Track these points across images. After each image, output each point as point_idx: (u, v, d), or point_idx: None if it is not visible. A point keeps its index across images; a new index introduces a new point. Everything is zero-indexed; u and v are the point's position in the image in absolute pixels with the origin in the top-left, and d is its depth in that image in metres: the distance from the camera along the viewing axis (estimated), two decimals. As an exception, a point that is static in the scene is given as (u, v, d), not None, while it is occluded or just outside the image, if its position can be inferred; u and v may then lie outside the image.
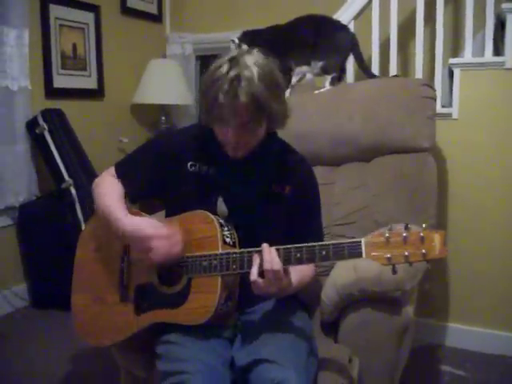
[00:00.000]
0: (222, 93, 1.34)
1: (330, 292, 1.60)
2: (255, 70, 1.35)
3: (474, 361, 2.46)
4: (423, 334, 2.54)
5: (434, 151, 2.37)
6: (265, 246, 1.34)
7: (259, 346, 1.39)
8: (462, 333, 2.60)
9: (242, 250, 1.41)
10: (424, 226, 1.21)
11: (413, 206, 2.05)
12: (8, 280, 3.05)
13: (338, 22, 2.57)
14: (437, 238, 1.19)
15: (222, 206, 1.52)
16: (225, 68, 1.36)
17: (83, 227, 2.90)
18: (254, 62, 1.37)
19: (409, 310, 1.63)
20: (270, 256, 1.32)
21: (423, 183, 2.11)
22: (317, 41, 2.47)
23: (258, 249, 1.35)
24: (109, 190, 1.58)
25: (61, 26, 3.25)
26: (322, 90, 2.45)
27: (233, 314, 1.50)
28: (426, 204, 2.08)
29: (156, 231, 1.43)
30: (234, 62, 1.37)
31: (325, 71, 2.49)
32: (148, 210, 1.71)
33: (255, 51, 1.43)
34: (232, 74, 1.34)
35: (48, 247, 3.00)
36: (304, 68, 2.53)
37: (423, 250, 1.19)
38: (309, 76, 2.58)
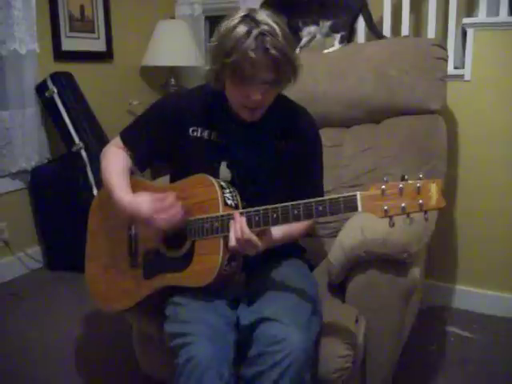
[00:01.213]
0: (252, 49, 1.32)
1: (337, 253, 1.62)
2: (275, 26, 1.35)
3: (481, 322, 2.49)
4: (431, 295, 2.57)
5: (446, 113, 2.35)
6: (236, 215, 1.37)
7: (263, 306, 1.42)
8: (469, 295, 2.62)
9: (242, 210, 1.42)
10: (421, 175, 1.19)
11: (423, 168, 2.04)
12: (22, 242, 3.10)
13: None
14: (433, 187, 1.17)
15: (224, 170, 1.53)
16: (242, 27, 1.34)
17: (94, 190, 2.94)
18: (269, 18, 1.36)
19: (415, 272, 1.64)
20: (239, 226, 1.35)
21: (433, 145, 2.09)
22: (325, 0, 2.43)
23: (257, 208, 1.36)
24: (112, 165, 1.60)
25: (68, -13, 3.21)
26: (331, 49, 2.42)
27: (238, 275, 1.52)
28: (436, 165, 2.06)
29: (153, 211, 1.45)
30: (248, 19, 1.35)
31: (334, 30, 2.45)
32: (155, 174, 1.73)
33: (261, 9, 1.42)
34: (255, 31, 1.33)
35: (60, 210, 3.04)
36: (312, 28, 2.49)
37: (420, 201, 1.17)
38: (318, 37, 2.53)
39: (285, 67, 1.38)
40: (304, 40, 2.53)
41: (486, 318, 2.53)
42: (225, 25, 1.39)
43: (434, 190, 1.17)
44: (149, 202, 1.46)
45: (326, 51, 2.40)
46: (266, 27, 1.34)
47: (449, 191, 2.52)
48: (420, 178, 1.19)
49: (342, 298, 1.68)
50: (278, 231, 1.47)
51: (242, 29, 1.34)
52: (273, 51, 1.33)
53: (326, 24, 2.45)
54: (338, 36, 2.43)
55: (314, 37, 2.54)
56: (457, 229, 2.62)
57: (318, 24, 2.47)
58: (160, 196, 1.46)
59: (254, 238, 1.35)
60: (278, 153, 1.56)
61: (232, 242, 1.37)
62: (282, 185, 1.55)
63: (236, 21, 1.36)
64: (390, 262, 1.56)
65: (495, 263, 2.56)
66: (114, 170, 1.58)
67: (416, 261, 1.65)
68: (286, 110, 1.61)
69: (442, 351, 2.28)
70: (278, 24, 1.36)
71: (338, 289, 1.70)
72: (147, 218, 1.46)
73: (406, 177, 1.20)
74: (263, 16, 1.36)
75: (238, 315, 1.47)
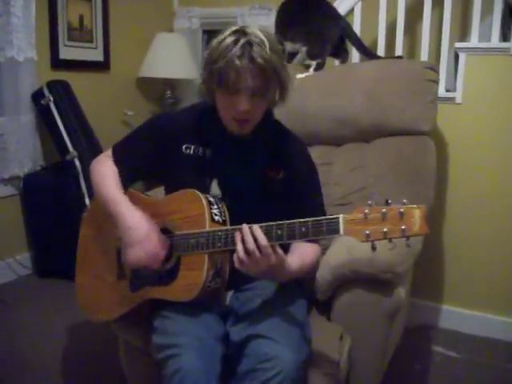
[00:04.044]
0: (237, 57, 1.34)
1: (323, 271, 1.63)
2: (264, 38, 1.37)
3: (466, 343, 2.51)
4: (417, 314, 2.59)
5: (436, 135, 2.38)
6: (244, 226, 1.33)
7: (254, 322, 1.42)
8: (455, 315, 2.64)
9: (228, 227, 1.42)
10: (405, 200, 1.19)
11: (411, 188, 2.06)
12: (12, 249, 3.10)
13: (330, 6, 2.52)
14: (417, 213, 1.16)
15: (215, 188, 1.54)
16: (232, 37, 1.37)
17: (86, 198, 2.94)
18: (259, 31, 1.39)
19: (401, 292, 1.66)
20: (250, 237, 1.31)
21: (422, 166, 2.11)
22: (303, 25, 2.45)
23: (241, 226, 1.35)
24: (106, 175, 1.59)
25: (68, -4, 3.24)
26: (303, 74, 2.42)
27: (223, 291, 1.53)
28: (425, 186, 2.08)
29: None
30: (238, 32, 1.39)
31: (310, 56, 2.46)
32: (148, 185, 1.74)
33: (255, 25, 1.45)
34: (242, 40, 1.35)
35: (51, 217, 3.04)
36: (295, 46, 2.50)
37: (402, 226, 1.16)
38: (300, 56, 2.55)
39: (271, 76, 1.39)
40: (298, 57, 2.55)
41: (471, 338, 2.55)
42: (217, 38, 1.42)
43: (417, 215, 1.17)
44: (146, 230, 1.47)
45: (298, 76, 2.38)
46: (253, 37, 1.37)
47: (437, 212, 2.55)
48: (404, 203, 1.18)
49: (328, 316, 1.69)
50: (295, 258, 1.44)
51: (230, 39, 1.37)
52: (258, 59, 1.35)
53: (303, 49, 2.47)
54: (314, 63, 2.44)
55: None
56: (443, 249, 2.65)
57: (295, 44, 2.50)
58: (153, 234, 1.47)
59: (269, 249, 1.31)
60: (268, 180, 1.56)
61: (240, 253, 1.32)
62: (271, 207, 1.52)
63: (227, 33, 1.40)
64: (375, 281, 1.57)
65: (481, 284, 2.58)
66: (111, 183, 1.58)
67: (401, 281, 1.67)
68: (278, 137, 1.61)
69: (426, 370, 2.30)
70: (266, 37, 1.39)
71: (324, 306, 1.71)
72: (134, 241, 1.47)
73: (389, 201, 1.20)
74: (253, 29, 1.40)
75: (227, 330, 1.48)
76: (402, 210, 1.17)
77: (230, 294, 1.58)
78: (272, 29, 3.58)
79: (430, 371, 2.30)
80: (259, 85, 1.39)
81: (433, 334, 2.60)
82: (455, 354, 2.41)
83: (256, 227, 1.33)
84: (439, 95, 2.29)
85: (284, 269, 1.39)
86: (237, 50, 1.35)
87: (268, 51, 1.36)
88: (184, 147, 1.58)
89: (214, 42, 1.42)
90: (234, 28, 1.42)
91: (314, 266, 1.61)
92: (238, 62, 1.34)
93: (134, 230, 1.47)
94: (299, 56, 2.54)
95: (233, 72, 1.36)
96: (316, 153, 2.18)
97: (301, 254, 1.50)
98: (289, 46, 2.49)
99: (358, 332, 1.63)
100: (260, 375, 1.31)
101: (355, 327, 1.63)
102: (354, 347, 1.62)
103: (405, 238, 1.19)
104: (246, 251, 1.32)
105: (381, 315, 1.62)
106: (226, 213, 1.49)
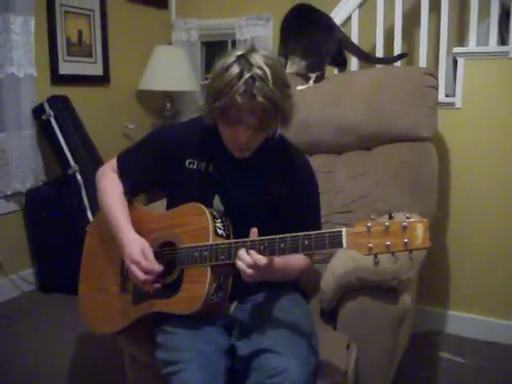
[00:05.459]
0: (239, 94, 1.33)
1: (328, 280, 1.63)
2: (267, 71, 1.35)
3: (473, 348, 2.49)
4: (423, 320, 2.58)
5: (437, 140, 2.38)
6: (241, 253, 1.35)
7: (261, 336, 1.42)
8: (462, 320, 2.63)
9: (231, 240, 1.42)
10: (408, 215, 1.19)
11: (413, 194, 2.07)
12: (15, 264, 3.09)
13: (326, 18, 2.53)
14: (419, 227, 1.17)
15: (217, 203, 1.55)
16: (235, 68, 1.35)
17: (89, 213, 2.94)
18: (264, 61, 1.36)
19: (406, 299, 1.65)
20: (251, 260, 1.34)
21: (424, 172, 2.12)
22: (300, 38, 2.46)
23: (245, 239, 1.37)
24: (110, 191, 1.62)
25: (66, 12, 3.25)
26: (304, 86, 2.43)
27: (226, 304, 1.52)
28: (427, 192, 2.09)
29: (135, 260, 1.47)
30: (242, 60, 1.36)
31: (308, 70, 2.47)
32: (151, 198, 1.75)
33: (261, 50, 1.42)
34: (246, 74, 1.33)
35: (54, 232, 3.04)
36: (295, 60, 2.52)
37: (405, 240, 1.16)
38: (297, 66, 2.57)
39: (271, 113, 1.38)
40: (295, 67, 2.56)
41: (478, 344, 2.53)
42: (221, 63, 1.39)
43: (420, 229, 1.17)
44: (139, 249, 1.49)
45: (299, 88, 2.40)
46: (257, 71, 1.34)
47: (440, 217, 2.54)
48: (407, 217, 1.19)
49: (334, 325, 1.68)
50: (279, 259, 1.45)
51: (234, 69, 1.35)
52: (259, 98, 1.33)
53: (302, 63, 2.48)
54: (313, 76, 2.44)
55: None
56: (448, 254, 2.64)
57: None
58: (147, 252, 1.48)
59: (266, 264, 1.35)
60: (271, 196, 1.56)
61: (242, 267, 1.35)
62: (273, 222, 1.51)
63: (231, 60, 1.37)
64: (380, 289, 1.57)
65: (487, 289, 2.57)
66: (114, 199, 1.60)
67: (407, 287, 1.66)
68: (282, 153, 1.60)
69: (434, 377, 2.29)
70: (271, 68, 1.36)
71: (330, 315, 1.71)
72: (129, 262, 1.49)
73: (392, 214, 1.21)
74: (258, 58, 1.36)
75: (233, 344, 1.47)
76: (404, 223, 1.18)
77: (233, 305, 1.57)
78: (269, 39, 3.63)
79: (438, 377, 2.28)
80: (259, 121, 1.38)
81: (439, 340, 2.59)
82: (462, 360, 2.40)
83: (252, 253, 1.34)
84: (439, 100, 2.29)
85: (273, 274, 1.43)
86: (240, 85, 1.33)
87: (271, 85, 1.34)
88: (187, 162, 1.58)
89: (218, 68, 1.39)
90: (238, 53, 1.38)
91: (302, 272, 1.62)
92: (239, 99, 1.33)
93: (128, 248, 1.50)
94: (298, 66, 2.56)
95: (234, 109, 1.36)
96: (318, 161, 2.20)
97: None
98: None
99: (365, 340, 1.62)
100: None
101: (362, 335, 1.62)
102: (360, 355, 1.61)
103: (407, 252, 1.19)
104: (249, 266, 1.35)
105: (387, 322, 1.61)
106: (230, 227, 1.49)
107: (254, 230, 1.37)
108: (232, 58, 1.37)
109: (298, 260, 1.57)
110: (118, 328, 1.61)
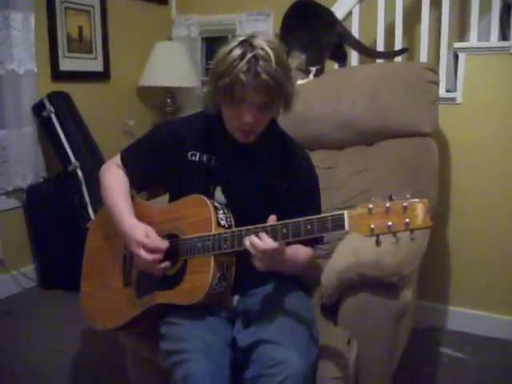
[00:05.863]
0: (243, 72, 1.35)
1: (329, 276, 1.62)
2: (270, 51, 1.37)
3: (473, 343, 2.49)
4: (424, 316, 2.58)
5: (437, 135, 2.38)
6: (253, 238, 1.36)
7: (261, 328, 1.42)
8: (463, 316, 2.63)
9: (233, 229, 1.43)
10: (408, 195, 1.20)
11: (414, 189, 2.06)
12: (16, 261, 3.10)
13: (327, 12, 2.53)
14: (420, 207, 1.19)
15: (219, 195, 1.56)
16: (238, 50, 1.37)
17: (89, 209, 2.95)
18: (266, 44, 1.39)
19: (407, 294, 1.65)
20: (264, 245, 1.35)
21: (424, 167, 2.11)
22: (302, 33, 2.46)
23: (248, 227, 1.39)
24: (114, 185, 1.63)
25: (66, 8, 3.25)
26: (304, 80, 2.43)
27: (229, 295, 1.53)
28: (428, 187, 2.08)
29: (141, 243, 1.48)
30: (245, 44, 1.39)
31: (308, 63, 2.47)
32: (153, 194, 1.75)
33: (263, 35, 1.44)
34: (249, 54, 1.36)
35: (55, 228, 3.04)
36: (295, 53, 2.51)
37: (406, 220, 1.18)
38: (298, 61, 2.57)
39: (275, 91, 1.40)
40: (296, 62, 2.56)
41: (479, 339, 2.53)
42: (223, 49, 1.42)
43: (420, 209, 1.19)
44: (143, 233, 1.49)
45: (299, 82, 2.39)
46: (260, 51, 1.37)
47: (441, 212, 2.54)
48: (407, 198, 1.20)
49: (335, 321, 1.68)
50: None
51: (236, 51, 1.38)
52: (263, 75, 1.36)
53: (302, 57, 2.48)
54: (313, 69, 2.45)
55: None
56: (449, 250, 2.64)
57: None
58: (151, 234, 1.49)
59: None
60: (271, 188, 1.58)
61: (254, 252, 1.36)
62: (274, 214, 1.53)
63: (233, 45, 1.40)
64: (381, 284, 1.56)
65: (488, 284, 2.57)
66: (116, 192, 1.61)
67: (407, 283, 1.66)
68: (283, 146, 1.62)
69: (435, 372, 2.29)
70: (273, 50, 1.39)
71: (331, 311, 1.71)
72: (134, 246, 1.49)
73: (392, 197, 1.22)
74: (260, 41, 1.39)
75: (234, 336, 1.47)
76: (405, 203, 1.19)
77: (235, 298, 1.57)
78: (269, 35, 3.61)
79: (439, 373, 2.28)
80: (264, 99, 1.40)
81: (440, 336, 2.59)
82: (463, 356, 2.40)
83: (264, 237, 1.35)
84: (439, 96, 2.29)
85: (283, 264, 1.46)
86: (243, 64, 1.35)
87: (274, 65, 1.37)
88: (190, 154, 1.59)
89: (221, 52, 1.42)
90: (240, 38, 1.41)
91: (307, 265, 1.63)
92: (243, 77, 1.36)
93: (131, 233, 1.50)
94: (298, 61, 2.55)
95: (238, 87, 1.38)
96: (319, 157, 2.20)
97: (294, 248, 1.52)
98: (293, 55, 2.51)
99: (366, 336, 1.62)
100: (267, 381, 1.31)
101: (362, 331, 1.62)
102: (361, 351, 1.62)
103: (409, 232, 1.20)
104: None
105: (388, 318, 1.61)
106: (232, 219, 1.50)
107: (273, 217, 1.38)
108: (234, 43, 1.40)
109: (304, 254, 1.59)
110: (121, 322, 1.61)
